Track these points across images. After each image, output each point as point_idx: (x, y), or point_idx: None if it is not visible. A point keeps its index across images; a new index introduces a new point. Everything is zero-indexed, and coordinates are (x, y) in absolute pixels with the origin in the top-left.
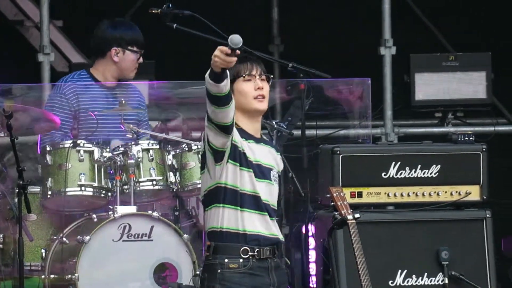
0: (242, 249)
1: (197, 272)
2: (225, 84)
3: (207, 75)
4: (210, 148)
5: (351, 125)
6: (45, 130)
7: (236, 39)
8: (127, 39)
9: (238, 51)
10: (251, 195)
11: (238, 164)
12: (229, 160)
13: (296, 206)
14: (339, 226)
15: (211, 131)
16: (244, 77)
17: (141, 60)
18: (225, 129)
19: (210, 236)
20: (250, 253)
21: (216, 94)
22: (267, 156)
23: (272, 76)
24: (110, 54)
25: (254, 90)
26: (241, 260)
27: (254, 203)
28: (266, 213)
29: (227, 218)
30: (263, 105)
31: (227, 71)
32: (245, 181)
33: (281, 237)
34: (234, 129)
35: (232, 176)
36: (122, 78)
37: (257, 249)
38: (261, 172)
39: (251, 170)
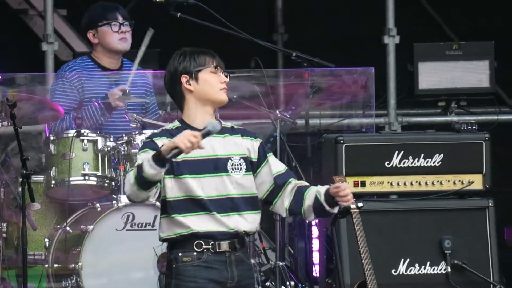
0: (195, 242)
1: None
2: (164, 170)
3: (149, 158)
4: None
5: (354, 115)
6: (49, 119)
7: (216, 125)
8: (94, 18)
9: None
10: (185, 199)
11: (172, 176)
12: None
13: None
14: (342, 215)
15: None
16: (212, 67)
17: (123, 28)
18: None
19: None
20: (204, 246)
21: (150, 179)
22: (222, 146)
23: (230, 75)
24: (90, 39)
25: (220, 83)
26: (195, 253)
27: (195, 205)
28: (215, 212)
29: (172, 225)
30: (226, 97)
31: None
32: (174, 188)
33: (242, 228)
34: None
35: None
36: (115, 52)
37: (211, 242)
38: (206, 167)
39: (185, 174)
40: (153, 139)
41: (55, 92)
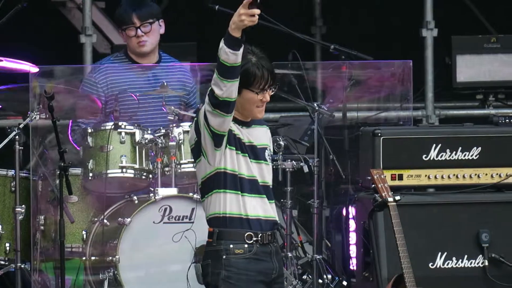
0: (246, 234)
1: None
2: (241, 51)
3: (223, 45)
4: (210, 132)
5: (392, 107)
6: (87, 112)
7: None
8: (116, 21)
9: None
10: (249, 179)
11: (234, 148)
12: (227, 145)
13: (337, 188)
14: (380, 208)
15: (212, 114)
16: (257, 90)
17: (140, 32)
18: (228, 107)
19: (212, 222)
20: (254, 239)
21: (232, 65)
22: (260, 136)
23: (278, 84)
24: (122, 38)
25: (260, 101)
26: (246, 246)
27: (253, 186)
28: (265, 196)
29: (229, 203)
30: (261, 114)
31: (244, 37)
32: (242, 165)
33: (277, 219)
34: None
35: (231, 160)
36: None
37: (260, 234)
38: (255, 154)
39: (246, 154)
40: None
41: (83, 90)
